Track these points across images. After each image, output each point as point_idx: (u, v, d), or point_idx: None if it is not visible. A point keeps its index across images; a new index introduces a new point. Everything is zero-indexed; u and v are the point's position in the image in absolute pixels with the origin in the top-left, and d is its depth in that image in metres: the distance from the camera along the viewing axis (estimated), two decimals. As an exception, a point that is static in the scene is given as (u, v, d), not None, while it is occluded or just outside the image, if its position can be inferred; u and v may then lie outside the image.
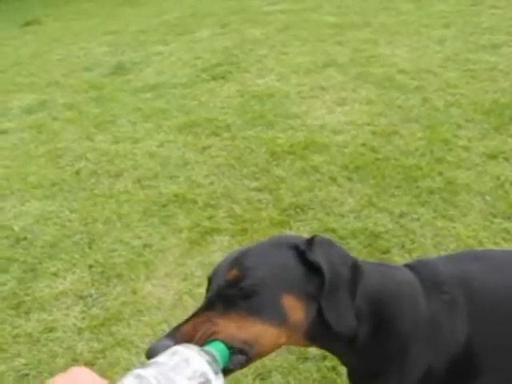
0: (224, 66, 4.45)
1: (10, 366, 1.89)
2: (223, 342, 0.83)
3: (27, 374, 1.85)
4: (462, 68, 3.89)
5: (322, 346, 1.05)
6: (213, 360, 0.62)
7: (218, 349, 0.79)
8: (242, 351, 0.87)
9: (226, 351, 0.81)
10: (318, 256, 0.93)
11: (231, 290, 0.90)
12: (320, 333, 0.94)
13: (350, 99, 3.59)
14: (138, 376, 0.53)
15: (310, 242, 0.97)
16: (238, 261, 0.95)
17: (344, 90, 3.73)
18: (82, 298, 2.16)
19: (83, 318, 2.06)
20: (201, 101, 3.85)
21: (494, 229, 2.23)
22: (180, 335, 0.84)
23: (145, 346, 1.86)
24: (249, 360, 0.89)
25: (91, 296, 2.17)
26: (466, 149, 2.86)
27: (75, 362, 1.86)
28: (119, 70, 4.63)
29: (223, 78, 4.22)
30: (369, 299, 0.98)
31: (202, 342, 0.83)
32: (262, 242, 1.02)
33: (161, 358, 0.59)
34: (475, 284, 1.04)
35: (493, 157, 2.75)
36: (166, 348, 0.78)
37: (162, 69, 4.62)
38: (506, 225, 2.25)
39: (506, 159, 2.73)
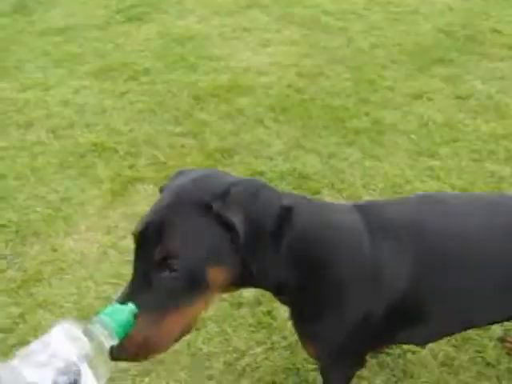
0: (141, 7, 4.17)
1: None
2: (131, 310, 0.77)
3: None
4: (386, 10, 3.91)
5: (253, 287, 1.02)
6: (90, 338, 0.57)
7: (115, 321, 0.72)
8: None
9: (127, 323, 0.75)
10: (232, 213, 0.84)
11: (157, 274, 0.83)
12: (247, 279, 0.91)
13: (274, 40, 3.48)
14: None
15: (226, 196, 0.86)
16: (161, 237, 0.84)
17: (268, 32, 3.61)
18: (-6, 260, 1.98)
19: (-3, 282, 1.89)
20: (117, 44, 3.58)
21: (419, 167, 2.27)
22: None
23: (69, 305, 1.75)
24: None
25: (5, 258, 1.99)
26: (391, 89, 2.88)
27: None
28: (21, 8, 4.19)
29: (140, 19, 3.95)
30: (300, 245, 0.93)
31: None
32: (179, 200, 0.89)
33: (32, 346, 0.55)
34: (423, 229, 1.01)
35: (417, 97, 2.79)
36: None
37: (71, 10, 4.25)
38: (431, 163, 2.30)
39: (430, 99, 2.78)
